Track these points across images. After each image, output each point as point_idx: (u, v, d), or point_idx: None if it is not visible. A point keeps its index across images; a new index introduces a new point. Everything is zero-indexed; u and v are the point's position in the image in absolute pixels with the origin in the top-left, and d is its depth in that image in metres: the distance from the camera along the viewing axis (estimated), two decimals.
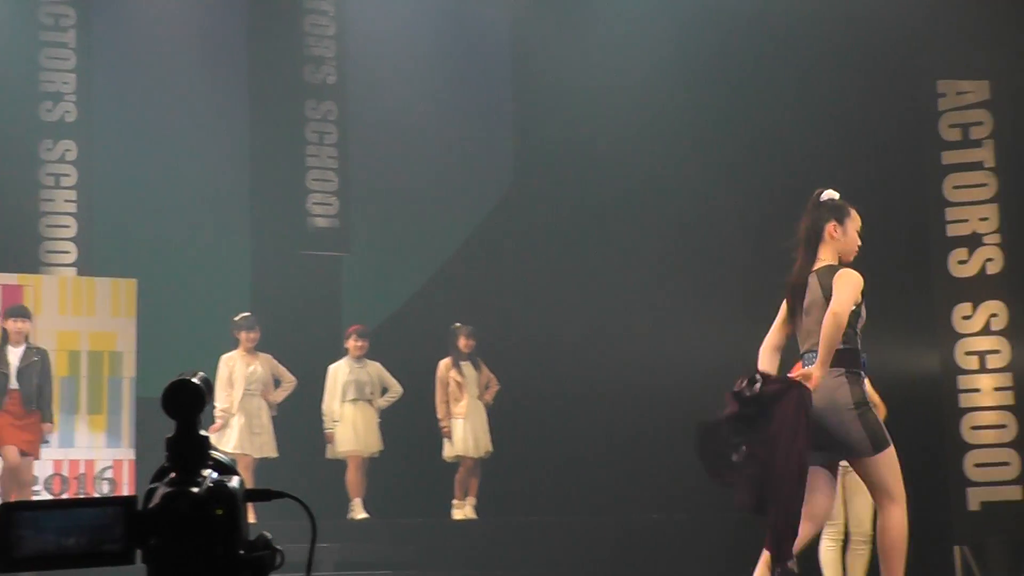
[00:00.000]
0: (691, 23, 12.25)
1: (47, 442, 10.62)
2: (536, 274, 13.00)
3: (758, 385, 5.89)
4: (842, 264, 6.14)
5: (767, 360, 6.16)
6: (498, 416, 11.60)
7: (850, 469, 6.38)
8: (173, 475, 2.20)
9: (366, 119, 13.30)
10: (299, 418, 11.40)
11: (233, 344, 11.17)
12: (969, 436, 11.09)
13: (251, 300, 12.39)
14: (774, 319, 6.22)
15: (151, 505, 2.17)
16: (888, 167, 11.51)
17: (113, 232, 12.35)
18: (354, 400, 11.39)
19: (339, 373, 11.44)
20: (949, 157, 11.42)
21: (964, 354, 11.22)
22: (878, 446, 5.93)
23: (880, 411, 6.89)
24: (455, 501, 11.53)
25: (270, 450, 11.11)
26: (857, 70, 11.61)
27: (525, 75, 13.90)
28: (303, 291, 12.77)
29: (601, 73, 12.80)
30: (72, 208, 12.26)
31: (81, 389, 11.30)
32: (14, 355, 10.36)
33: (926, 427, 10.71)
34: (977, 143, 11.35)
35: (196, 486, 2.15)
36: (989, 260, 11.24)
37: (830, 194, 6.25)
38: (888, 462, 5.96)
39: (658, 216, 12.68)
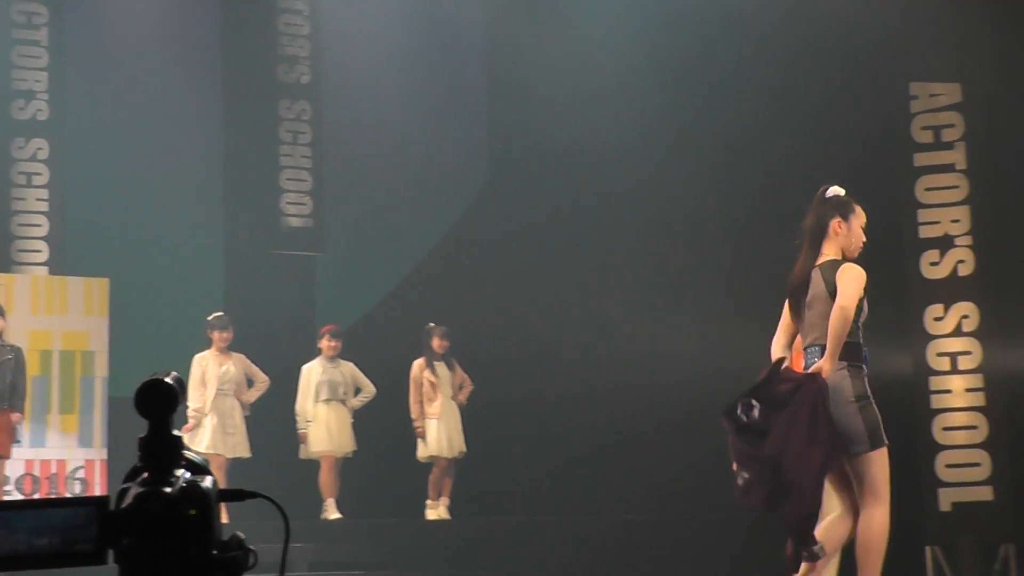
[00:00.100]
0: (667, 23, 12.26)
1: (19, 442, 10.54)
2: (510, 274, 12.99)
3: (756, 411, 5.91)
4: (846, 260, 6.17)
5: (781, 355, 6.16)
6: (472, 416, 11.60)
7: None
8: (146, 475, 2.19)
9: (340, 119, 13.28)
10: (272, 418, 11.37)
11: (206, 344, 11.14)
12: (940, 437, 11.12)
13: (224, 300, 12.35)
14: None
15: (123, 505, 2.16)
16: (861, 168, 11.53)
17: (85, 231, 12.30)
18: (327, 400, 11.37)
19: (312, 373, 11.42)
20: (921, 159, 11.45)
21: (936, 355, 11.25)
22: (875, 444, 5.98)
23: None
24: (429, 501, 11.52)
25: (243, 450, 11.08)
26: (831, 72, 11.63)
27: (500, 74, 13.90)
28: (276, 291, 12.75)
29: (577, 73, 12.79)
30: (44, 207, 12.20)
31: (53, 389, 11.24)
32: None
33: (898, 428, 10.63)
34: (949, 145, 11.38)
35: (169, 486, 2.15)
36: (961, 262, 11.27)
37: (835, 190, 6.29)
38: (881, 462, 6.01)
39: (634, 215, 12.69)
